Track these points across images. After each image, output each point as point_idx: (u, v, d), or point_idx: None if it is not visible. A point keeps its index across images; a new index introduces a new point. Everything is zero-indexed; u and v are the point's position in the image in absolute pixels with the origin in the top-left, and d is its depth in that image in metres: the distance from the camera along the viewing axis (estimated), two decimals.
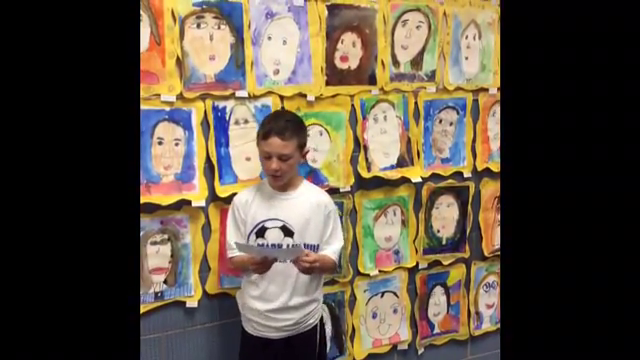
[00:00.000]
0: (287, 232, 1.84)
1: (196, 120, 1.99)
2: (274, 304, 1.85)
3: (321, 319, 2.00)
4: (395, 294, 2.50)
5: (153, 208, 1.95)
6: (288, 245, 1.83)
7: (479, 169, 2.58)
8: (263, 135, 1.79)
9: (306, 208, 1.87)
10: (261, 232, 1.85)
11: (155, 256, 1.99)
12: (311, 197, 1.90)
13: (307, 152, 1.93)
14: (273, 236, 1.85)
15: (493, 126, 2.58)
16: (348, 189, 2.30)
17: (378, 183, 2.37)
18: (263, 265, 1.78)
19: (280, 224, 1.84)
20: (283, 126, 1.79)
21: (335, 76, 2.21)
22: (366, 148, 2.32)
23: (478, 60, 2.52)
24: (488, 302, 2.72)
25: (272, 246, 1.85)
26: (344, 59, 2.23)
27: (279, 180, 1.83)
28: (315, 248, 1.87)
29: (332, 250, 1.90)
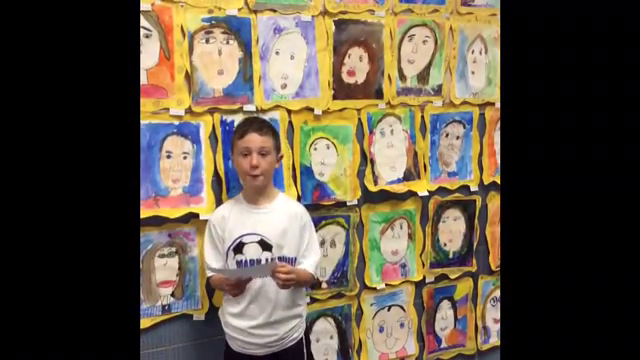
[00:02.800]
0: (265, 246, 1.82)
1: (204, 134, 2.00)
2: (256, 320, 1.82)
3: (306, 332, 1.97)
4: (402, 308, 2.49)
5: (161, 221, 1.96)
6: (267, 260, 1.81)
7: (486, 183, 2.59)
8: (240, 134, 1.81)
9: (283, 220, 1.86)
10: (239, 248, 1.83)
11: (163, 269, 2.00)
12: (287, 209, 1.90)
13: (282, 157, 1.95)
14: (251, 251, 1.82)
15: (500, 140, 2.59)
16: (355, 202, 2.30)
17: (385, 196, 2.37)
18: (237, 287, 1.78)
19: (258, 238, 1.83)
20: (260, 122, 1.86)
21: (342, 90, 2.23)
22: (373, 162, 2.33)
23: (484, 74, 2.53)
24: (495, 316, 2.71)
25: (250, 262, 1.82)
26: (351, 73, 2.25)
27: (257, 180, 1.81)
28: (293, 261, 1.86)
29: (309, 263, 1.88)
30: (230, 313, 1.87)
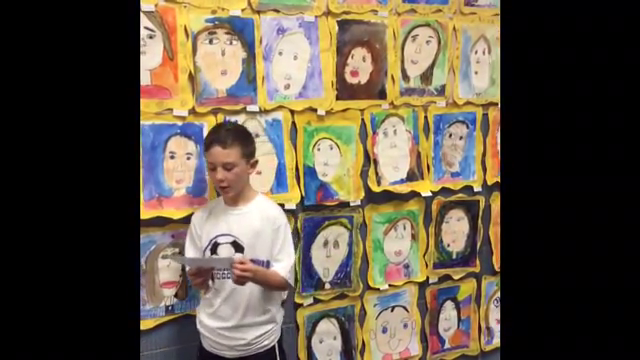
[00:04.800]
0: (237, 248, 1.81)
1: None
2: (227, 322, 1.81)
3: (279, 341, 1.94)
4: (405, 309, 2.49)
5: (164, 222, 1.96)
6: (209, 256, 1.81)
7: (489, 183, 2.58)
8: (206, 146, 1.79)
9: (256, 222, 1.83)
10: (214, 248, 1.83)
11: (166, 270, 1.99)
12: (262, 211, 1.86)
13: (256, 162, 1.87)
14: (225, 252, 1.81)
15: (500, 140, 2.59)
16: (358, 203, 2.30)
17: (388, 197, 2.37)
18: (199, 275, 1.76)
19: (231, 239, 1.82)
20: (224, 135, 1.77)
21: (345, 91, 2.23)
22: (376, 162, 2.32)
23: (488, 75, 2.53)
24: (499, 317, 2.70)
25: None
26: (354, 74, 2.24)
27: (227, 191, 1.79)
28: (266, 264, 1.83)
29: (282, 266, 1.83)
30: (204, 312, 1.87)
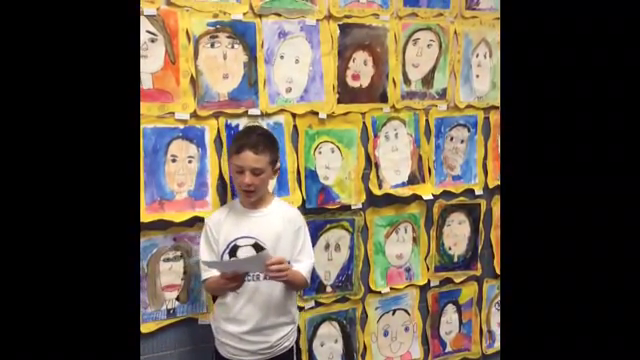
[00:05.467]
0: (259, 249, 1.81)
1: (209, 138, 2.01)
2: (248, 326, 1.81)
3: (296, 342, 1.96)
4: (407, 312, 2.48)
5: (166, 225, 1.97)
6: (245, 257, 1.79)
7: (490, 186, 2.58)
8: (236, 150, 1.78)
9: (277, 224, 1.85)
10: (233, 251, 1.82)
11: (168, 273, 2.00)
12: (282, 213, 1.88)
13: (278, 168, 1.89)
14: (245, 254, 1.81)
15: (500, 143, 2.59)
16: (359, 206, 2.30)
17: (389, 200, 2.37)
18: (234, 280, 1.74)
19: (252, 241, 1.82)
20: (256, 140, 1.78)
21: (347, 94, 2.23)
22: (377, 165, 2.33)
23: (489, 78, 2.53)
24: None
25: None
26: (356, 77, 2.25)
27: (252, 196, 1.81)
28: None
29: (303, 266, 1.85)
30: (222, 318, 1.86)
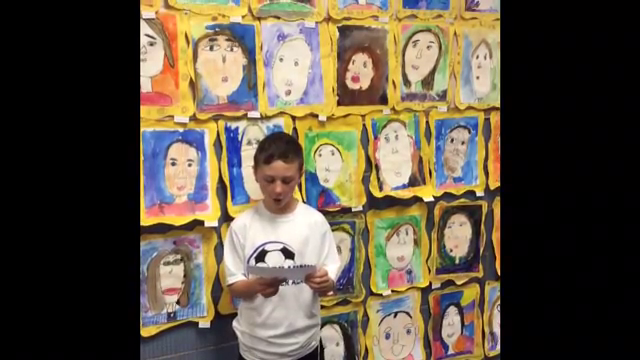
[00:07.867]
0: (287, 254, 1.83)
1: (209, 141, 2.00)
2: (279, 329, 1.82)
3: (320, 340, 1.99)
4: (408, 314, 2.48)
5: (166, 228, 1.96)
6: (289, 267, 1.81)
7: (491, 188, 2.57)
8: (265, 159, 1.78)
9: (304, 229, 1.87)
10: (261, 256, 1.83)
11: (168, 276, 1.99)
12: (308, 217, 1.91)
13: (304, 172, 1.94)
14: (274, 259, 1.82)
15: (500, 145, 2.58)
16: (360, 209, 2.30)
17: (390, 202, 2.36)
18: (272, 285, 1.75)
19: (280, 246, 1.83)
20: (285, 149, 1.79)
21: (346, 96, 2.23)
22: (378, 167, 2.32)
23: (489, 79, 2.53)
24: None
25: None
26: (355, 79, 2.24)
27: (281, 203, 1.83)
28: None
29: (331, 270, 1.87)
30: (250, 323, 1.86)
